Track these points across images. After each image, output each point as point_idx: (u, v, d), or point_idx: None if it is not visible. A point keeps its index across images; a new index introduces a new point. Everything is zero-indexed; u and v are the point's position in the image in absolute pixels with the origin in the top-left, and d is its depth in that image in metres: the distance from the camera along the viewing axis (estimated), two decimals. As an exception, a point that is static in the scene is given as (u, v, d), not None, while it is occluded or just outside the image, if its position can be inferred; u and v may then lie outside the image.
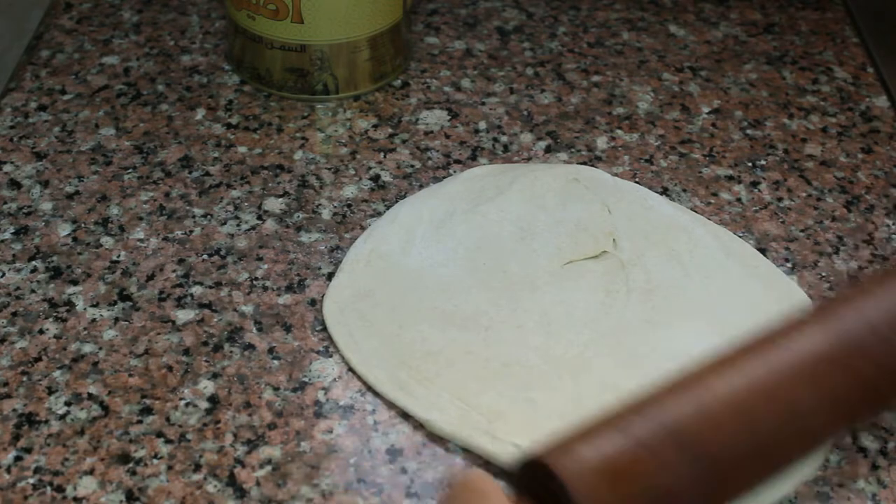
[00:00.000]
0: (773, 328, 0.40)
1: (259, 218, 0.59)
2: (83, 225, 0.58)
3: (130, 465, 0.46)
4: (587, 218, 0.57)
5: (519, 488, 0.36)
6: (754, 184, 0.62)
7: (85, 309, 0.53)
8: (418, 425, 0.48)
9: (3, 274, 0.55)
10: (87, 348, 0.51)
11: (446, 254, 0.55)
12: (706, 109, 0.67)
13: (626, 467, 0.35)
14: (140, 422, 0.48)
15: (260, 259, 0.56)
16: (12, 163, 0.62)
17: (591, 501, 0.34)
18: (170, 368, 0.50)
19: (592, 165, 0.63)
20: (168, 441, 0.47)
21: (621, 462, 0.35)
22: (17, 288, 0.54)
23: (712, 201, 0.61)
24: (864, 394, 0.39)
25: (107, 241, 0.57)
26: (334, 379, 0.50)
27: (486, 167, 0.62)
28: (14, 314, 0.53)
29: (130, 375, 0.50)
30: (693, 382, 0.38)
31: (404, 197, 0.60)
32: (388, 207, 0.59)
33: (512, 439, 0.46)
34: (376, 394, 0.49)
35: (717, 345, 0.51)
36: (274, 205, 0.59)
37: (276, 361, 0.51)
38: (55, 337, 0.52)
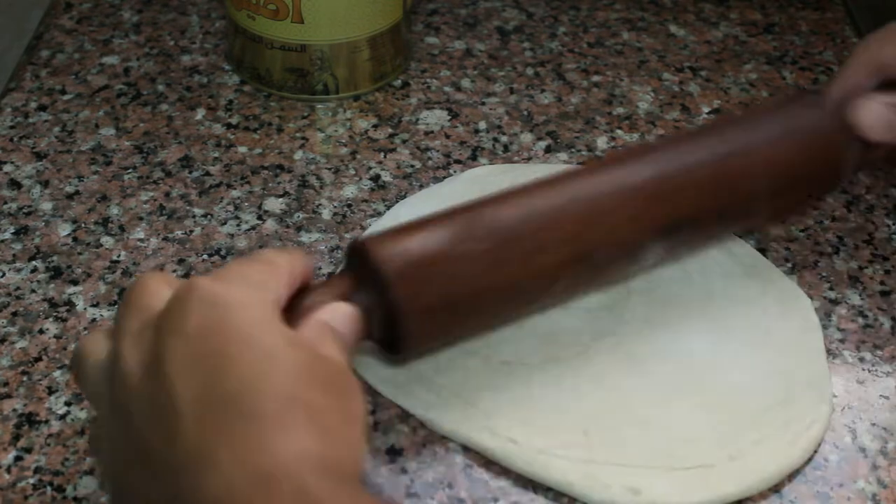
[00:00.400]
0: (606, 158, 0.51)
1: (259, 218, 0.59)
2: (83, 225, 0.58)
3: (130, 465, 0.46)
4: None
5: (347, 266, 0.43)
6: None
7: (85, 309, 0.53)
8: (418, 425, 0.48)
9: (3, 274, 0.55)
10: (87, 348, 0.51)
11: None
12: (706, 109, 0.67)
13: (436, 254, 0.42)
14: (140, 422, 0.48)
15: (260, 259, 0.56)
16: (12, 163, 0.62)
17: (397, 278, 0.41)
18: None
19: (592, 165, 0.63)
20: (168, 441, 0.47)
21: (433, 249, 0.43)
22: (17, 288, 0.54)
23: (712, 201, 0.61)
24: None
25: (107, 241, 0.57)
26: (334, 379, 0.50)
27: (487, 167, 0.62)
28: (14, 314, 0.53)
29: (130, 375, 0.50)
30: (523, 192, 0.46)
31: (404, 197, 0.60)
32: (388, 207, 0.59)
33: (510, 435, 0.46)
34: (376, 393, 0.49)
35: (714, 344, 0.51)
36: (274, 205, 0.59)
37: (276, 361, 0.51)
38: (55, 337, 0.52)
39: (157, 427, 0.31)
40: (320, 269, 0.56)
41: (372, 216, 0.59)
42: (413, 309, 0.41)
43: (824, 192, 0.56)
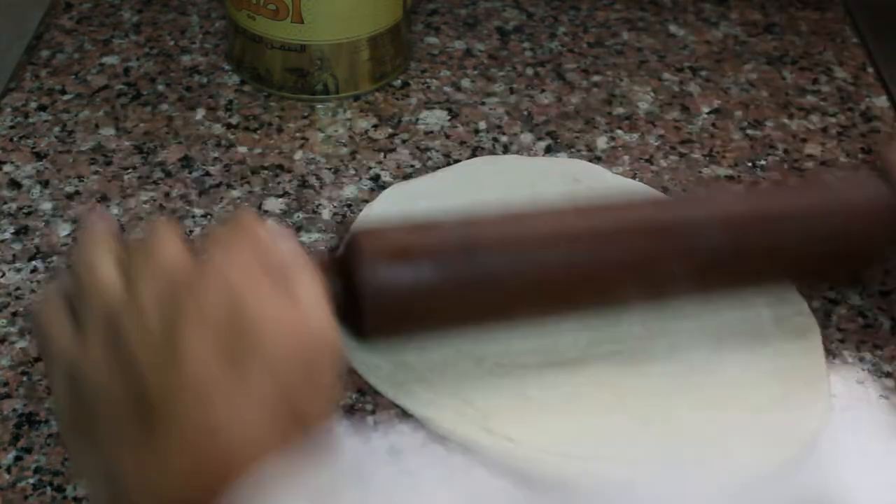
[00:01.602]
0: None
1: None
2: (83, 225, 0.58)
3: (130, 465, 0.46)
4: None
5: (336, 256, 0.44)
6: (754, 184, 0.62)
7: (85, 309, 0.53)
8: (419, 425, 0.48)
9: (3, 274, 0.55)
10: (87, 348, 0.51)
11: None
12: (706, 109, 0.67)
13: (409, 246, 0.43)
14: (140, 422, 0.48)
15: (260, 259, 0.56)
16: (12, 163, 0.62)
17: (370, 264, 0.42)
18: (170, 368, 0.50)
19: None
20: (168, 441, 0.47)
21: (406, 242, 0.44)
22: (17, 288, 0.54)
23: (712, 201, 0.61)
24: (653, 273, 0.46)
25: (107, 241, 0.57)
26: (334, 379, 0.50)
27: (481, 158, 0.62)
28: (14, 314, 0.53)
29: (130, 375, 0.50)
30: (511, 218, 0.46)
31: (404, 197, 0.60)
32: (388, 207, 0.59)
33: (506, 433, 0.46)
34: (376, 393, 0.49)
35: (713, 345, 0.51)
36: (274, 205, 0.59)
37: (276, 361, 0.51)
38: (55, 337, 0.52)
39: (162, 372, 0.35)
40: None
41: (372, 216, 0.59)
42: (378, 309, 0.42)
43: (861, 264, 0.50)
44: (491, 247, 0.44)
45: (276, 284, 0.37)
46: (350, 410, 0.49)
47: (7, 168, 0.61)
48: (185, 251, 0.39)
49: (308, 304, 0.37)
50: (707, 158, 0.63)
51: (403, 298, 0.43)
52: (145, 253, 0.38)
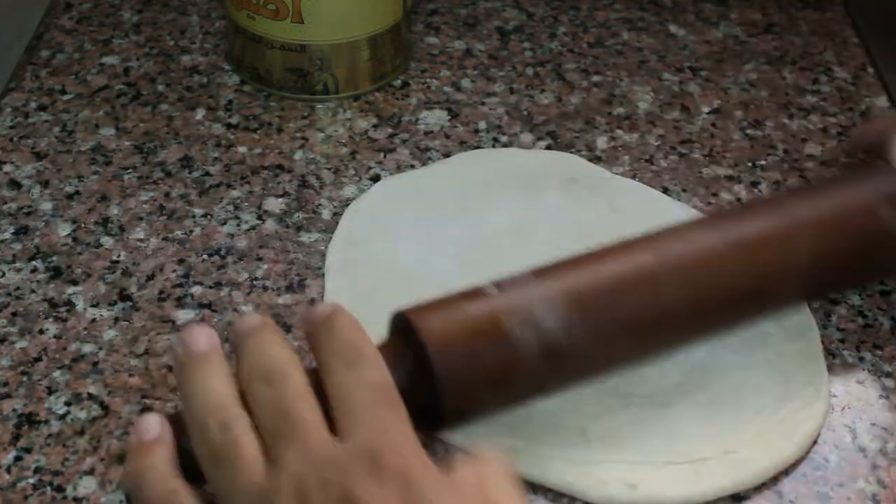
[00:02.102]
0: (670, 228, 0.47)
1: (259, 218, 0.59)
2: (83, 225, 0.58)
3: (130, 464, 0.46)
4: (589, 217, 0.57)
5: (392, 331, 0.43)
6: (754, 184, 0.62)
7: (85, 309, 0.53)
8: (417, 429, 0.48)
9: (3, 274, 0.55)
10: (87, 348, 0.51)
11: (442, 253, 0.55)
12: (706, 109, 0.67)
13: (472, 330, 0.42)
14: (140, 422, 0.48)
15: (260, 259, 0.56)
16: (12, 163, 0.62)
17: (438, 354, 0.41)
18: (170, 368, 0.50)
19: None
20: (168, 441, 0.47)
21: (471, 324, 0.42)
22: (17, 288, 0.54)
23: (712, 201, 0.61)
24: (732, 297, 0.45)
25: (107, 241, 0.57)
26: (334, 379, 0.50)
27: (474, 153, 0.62)
28: (14, 314, 0.53)
29: (130, 375, 0.50)
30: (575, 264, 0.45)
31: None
32: (388, 207, 0.59)
33: (511, 440, 0.46)
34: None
35: (712, 345, 0.51)
36: (274, 205, 0.59)
37: (275, 361, 0.51)
38: (55, 337, 0.52)
39: None
40: (320, 268, 0.56)
41: (372, 216, 0.59)
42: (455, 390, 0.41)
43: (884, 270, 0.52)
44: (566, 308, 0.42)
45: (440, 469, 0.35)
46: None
47: (7, 168, 0.61)
48: (315, 405, 0.37)
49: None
50: (707, 158, 0.63)
51: (479, 381, 0.41)
52: (276, 409, 0.37)
